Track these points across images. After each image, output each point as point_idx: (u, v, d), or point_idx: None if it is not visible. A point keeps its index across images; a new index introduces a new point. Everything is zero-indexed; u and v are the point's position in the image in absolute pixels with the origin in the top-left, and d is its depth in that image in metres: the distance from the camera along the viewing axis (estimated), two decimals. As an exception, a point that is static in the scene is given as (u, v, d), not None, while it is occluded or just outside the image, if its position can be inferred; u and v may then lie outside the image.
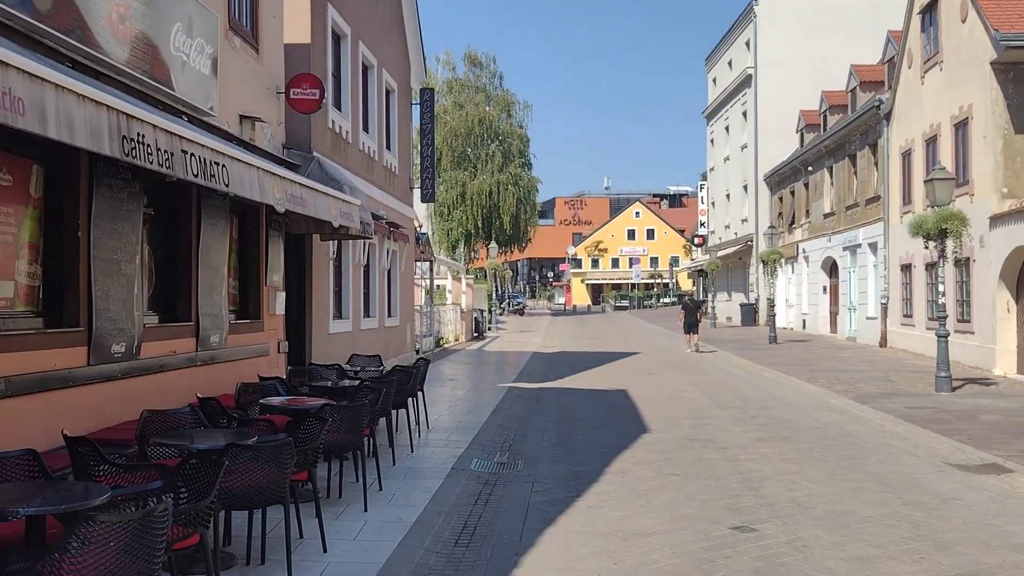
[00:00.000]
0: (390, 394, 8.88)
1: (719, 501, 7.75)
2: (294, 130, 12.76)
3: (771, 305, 28.81)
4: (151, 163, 5.56)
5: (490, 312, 37.64)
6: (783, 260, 28.69)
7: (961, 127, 20.43)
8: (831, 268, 33.02)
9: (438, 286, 33.76)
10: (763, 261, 28.95)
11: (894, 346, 25.20)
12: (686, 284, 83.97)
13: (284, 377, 10.34)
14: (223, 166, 7.01)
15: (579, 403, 14.65)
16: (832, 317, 32.73)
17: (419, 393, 11.40)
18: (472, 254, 60.08)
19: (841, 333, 30.54)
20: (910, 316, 24.16)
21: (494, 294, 44.18)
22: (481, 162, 56.83)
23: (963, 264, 20.08)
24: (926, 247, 16.00)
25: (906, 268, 24.47)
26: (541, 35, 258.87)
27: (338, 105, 15.23)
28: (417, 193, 23.20)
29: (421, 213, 53.29)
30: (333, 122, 14.58)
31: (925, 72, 22.80)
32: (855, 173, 29.60)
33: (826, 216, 32.61)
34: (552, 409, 13.92)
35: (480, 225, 55.47)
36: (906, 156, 24.41)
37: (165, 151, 5.73)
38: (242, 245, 11.08)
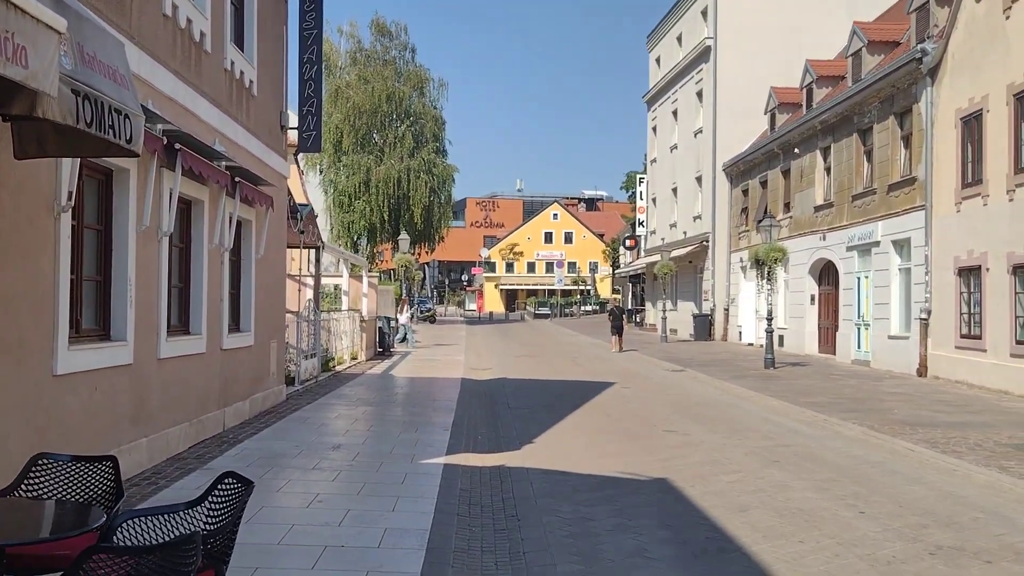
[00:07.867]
0: None
1: None
2: None
3: (769, 320, 22.18)
4: None
5: (397, 321, 29.91)
6: (775, 262, 21.98)
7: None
8: (821, 273, 26.79)
9: (333, 286, 25.94)
10: (757, 261, 22.25)
11: (942, 376, 18.83)
12: (606, 291, 77.67)
13: None
14: None
15: (602, 536, 6.93)
16: (824, 333, 26.42)
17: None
18: (376, 255, 51.97)
19: (843, 355, 24.18)
20: (976, 337, 17.77)
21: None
22: (389, 145, 48.88)
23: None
24: None
25: (968, 272, 18.14)
26: (454, 14, 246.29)
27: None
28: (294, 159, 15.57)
29: (318, 204, 45.02)
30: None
31: (1014, 1, 16.51)
32: (867, 153, 23.35)
33: (818, 209, 26.36)
34: (559, 571, 6.09)
35: (387, 218, 47.51)
36: (969, 122, 18.11)
37: None
38: None
